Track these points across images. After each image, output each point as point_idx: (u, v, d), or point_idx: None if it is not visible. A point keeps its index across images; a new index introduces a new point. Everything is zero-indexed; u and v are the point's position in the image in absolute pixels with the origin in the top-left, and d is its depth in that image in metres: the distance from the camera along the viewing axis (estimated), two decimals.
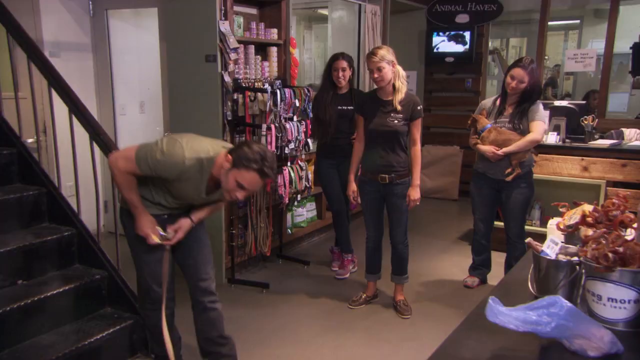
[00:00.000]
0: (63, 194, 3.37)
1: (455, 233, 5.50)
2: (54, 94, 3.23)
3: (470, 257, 4.21)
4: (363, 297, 3.83)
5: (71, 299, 3.00)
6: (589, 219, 1.61)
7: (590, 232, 1.55)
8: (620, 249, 1.39)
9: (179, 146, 2.33)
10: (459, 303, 3.77)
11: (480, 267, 4.16)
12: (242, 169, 2.27)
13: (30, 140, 3.59)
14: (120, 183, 2.43)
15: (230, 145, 2.51)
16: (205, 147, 2.39)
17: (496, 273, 4.06)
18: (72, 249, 3.25)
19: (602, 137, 4.73)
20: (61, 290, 2.95)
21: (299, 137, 4.08)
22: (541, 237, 1.75)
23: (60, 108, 3.24)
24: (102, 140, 3.08)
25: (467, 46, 6.55)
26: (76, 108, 3.15)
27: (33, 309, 2.81)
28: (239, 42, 3.97)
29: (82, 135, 3.17)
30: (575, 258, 1.53)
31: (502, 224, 4.00)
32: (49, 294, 2.89)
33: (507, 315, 1.29)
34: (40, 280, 3.04)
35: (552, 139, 4.61)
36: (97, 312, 3.09)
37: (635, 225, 1.58)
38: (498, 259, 4.13)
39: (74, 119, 3.17)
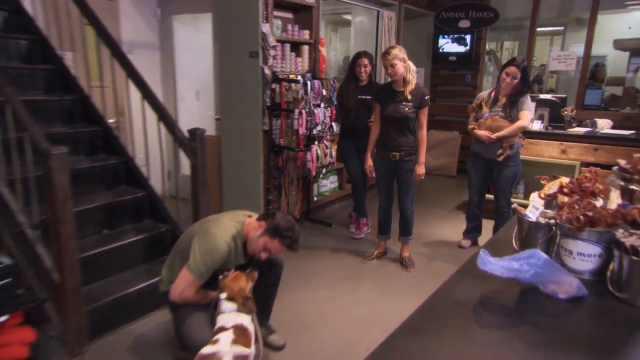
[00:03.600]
0: (136, 164, 3.47)
1: (453, 204, 5.48)
2: (130, 83, 3.30)
3: (464, 223, 4.21)
4: (375, 253, 3.88)
5: (143, 246, 3.11)
6: (565, 190, 1.61)
7: (565, 199, 1.56)
8: (590, 213, 1.39)
9: (213, 235, 2.16)
10: (454, 260, 3.80)
11: (473, 231, 4.16)
12: (275, 238, 2.16)
13: (111, 120, 3.69)
14: (199, 300, 2.23)
15: (245, 214, 2.34)
16: (230, 225, 2.23)
17: (486, 237, 4.05)
18: (143, 207, 3.36)
19: (578, 126, 4.63)
20: (135, 239, 3.07)
21: (325, 121, 4.09)
22: (525, 208, 1.75)
23: (135, 95, 3.30)
24: (167, 120, 3.14)
25: (468, 47, 6.43)
26: (147, 95, 3.21)
27: (115, 252, 2.94)
28: (277, 41, 3.98)
29: (151, 116, 3.23)
30: (552, 220, 1.54)
31: (492, 196, 3.98)
32: (126, 242, 3.02)
33: (494, 264, 1.30)
34: (120, 231, 3.16)
35: (536, 126, 4.54)
36: (162, 257, 3.15)
37: (602, 195, 1.58)
38: (488, 225, 4.13)
39: (145, 104, 3.24)
